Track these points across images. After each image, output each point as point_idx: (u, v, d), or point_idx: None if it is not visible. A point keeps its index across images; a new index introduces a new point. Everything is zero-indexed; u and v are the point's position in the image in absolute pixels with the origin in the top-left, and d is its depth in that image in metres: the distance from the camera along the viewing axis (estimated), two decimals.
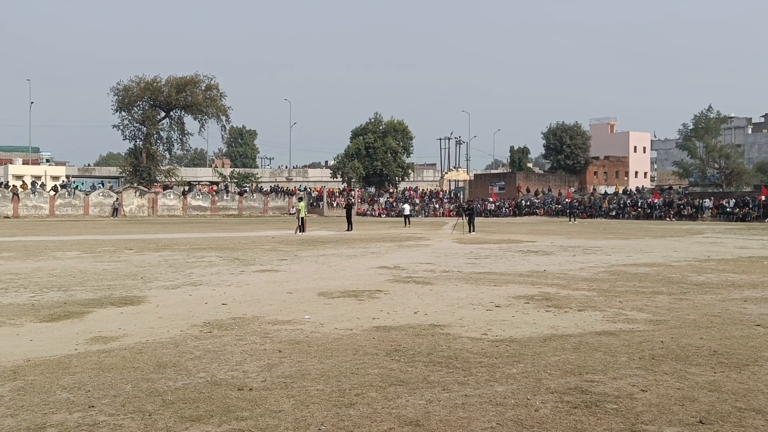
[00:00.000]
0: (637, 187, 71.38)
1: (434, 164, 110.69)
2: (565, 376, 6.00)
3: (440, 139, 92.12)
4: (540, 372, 6.15)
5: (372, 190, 74.09)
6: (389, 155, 72.30)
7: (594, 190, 72.75)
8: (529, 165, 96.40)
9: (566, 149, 79.84)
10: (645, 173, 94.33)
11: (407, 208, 44.78)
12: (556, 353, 6.90)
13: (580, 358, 6.70)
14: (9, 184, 64.54)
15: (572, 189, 72.44)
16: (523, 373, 6.11)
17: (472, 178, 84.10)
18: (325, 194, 69.55)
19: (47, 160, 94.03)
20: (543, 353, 6.90)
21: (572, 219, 49.94)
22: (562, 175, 79.28)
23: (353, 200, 57.15)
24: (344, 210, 41.19)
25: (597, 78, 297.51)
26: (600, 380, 5.88)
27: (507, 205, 66.01)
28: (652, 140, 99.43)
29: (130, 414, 4.93)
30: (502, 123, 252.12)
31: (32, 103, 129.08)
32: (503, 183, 76.18)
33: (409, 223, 40.79)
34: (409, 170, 78.63)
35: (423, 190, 78.54)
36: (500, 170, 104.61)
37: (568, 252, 20.32)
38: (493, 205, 66.73)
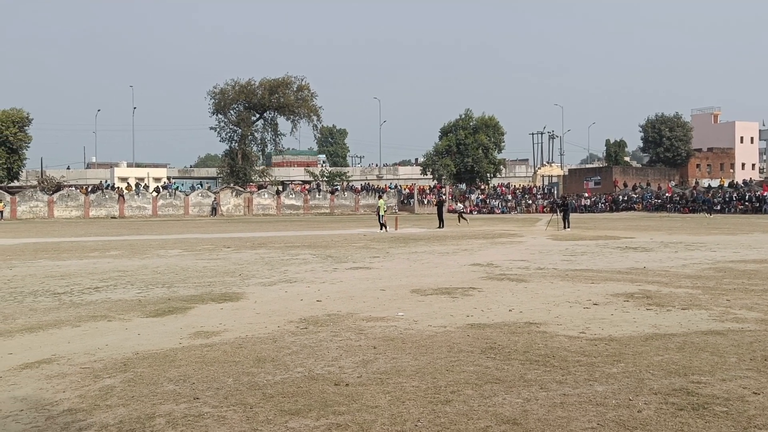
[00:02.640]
0: (744, 179, 67.66)
1: (527, 160, 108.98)
2: (669, 377, 5.75)
3: (533, 134, 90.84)
4: (642, 372, 5.92)
5: (463, 187, 73.63)
6: (480, 151, 71.60)
7: (696, 183, 69.54)
8: (626, 159, 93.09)
9: (666, 142, 76.72)
10: (753, 165, 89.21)
11: (460, 206, 43.73)
12: (658, 353, 6.63)
13: (685, 358, 6.41)
14: (115, 186, 68.15)
15: (672, 183, 69.55)
16: (624, 373, 5.90)
17: (566, 173, 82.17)
18: (415, 192, 69.66)
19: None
20: (645, 353, 6.64)
21: (709, 213, 48.00)
22: (661, 168, 76.25)
23: (444, 197, 56.97)
24: (435, 207, 41.06)
25: (698, 68, 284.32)
26: (707, 382, 5.60)
27: (603, 201, 64.12)
28: (760, 130, 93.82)
29: (233, 406, 5.08)
30: (597, 116, 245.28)
31: (135, 108, 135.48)
32: (599, 178, 74.02)
33: (463, 219, 39.81)
34: (501, 166, 77.59)
35: (515, 186, 77.38)
36: (595, 164, 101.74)
37: (669, 248, 19.52)
38: (588, 200, 65.02)
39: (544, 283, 12.14)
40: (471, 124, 73.27)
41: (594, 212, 60.72)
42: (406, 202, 69.87)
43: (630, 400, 5.15)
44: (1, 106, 65.25)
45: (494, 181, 78.35)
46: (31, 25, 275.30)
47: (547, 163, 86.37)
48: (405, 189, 73.77)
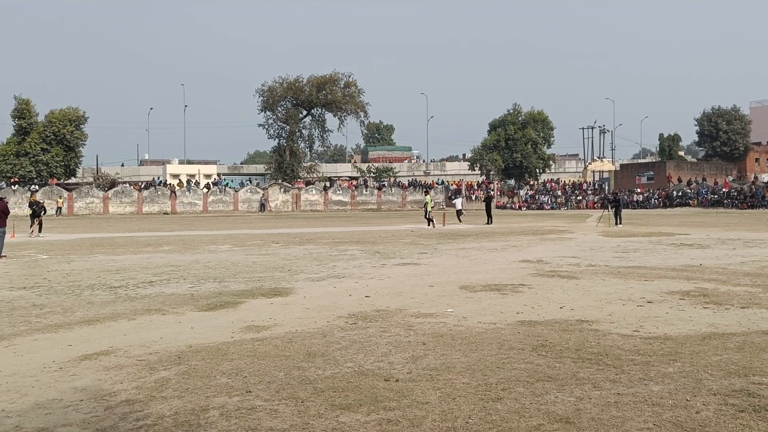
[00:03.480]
0: None
1: (576, 155, 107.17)
2: (728, 377, 5.59)
3: (583, 129, 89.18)
4: (700, 372, 5.77)
5: (511, 182, 72.94)
6: (529, 146, 70.81)
7: (755, 178, 67.39)
8: (681, 153, 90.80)
9: (722, 135, 74.42)
10: None
11: (459, 202, 39.91)
12: (717, 353, 6.44)
13: (745, 358, 6.21)
14: (167, 182, 69.64)
15: (730, 178, 67.58)
16: (681, 373, 5.75)
17: (618, 168, 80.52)
18: (463, 187, 69.31)
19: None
20: (702, 352, 6.46)
21: None
22: (718, 163, 74.08)
23: (492, 193, 56.53)
24: (483, 203, 40.71)
25: (756, 58, 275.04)
26: None
27: (656, 196, 62.69)
28: None
29: (284, 400, 5.13)
30: (650, 110, 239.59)
31: (186, 106, 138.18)
32: (652, 173, 72.33)
33: (460, 220, 35.93)
34: (550, 161, 76.58)
35: (565, 181, 76.27)
36: (648, 159, 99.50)
37: (726, 245, 18.97)
38: (640, 196, 63.64)
39: (596, 280, 11.94)
40: (519, 118, 72.53)
41: (647, 208, 59.39)
42: (453, 197, 69.53)
43: (687, 400, 5.02)
44: (59, 105, 67.50)
45: (543, 177, 77.41)
46: (89, 27, 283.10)
47: (598, 158, 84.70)
48: (452, 185, 73.44)
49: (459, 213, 37.31)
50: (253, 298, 10.23)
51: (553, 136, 74.00)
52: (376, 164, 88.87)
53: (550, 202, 66.94)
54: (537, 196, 68.51)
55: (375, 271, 13.63)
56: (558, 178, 78.69)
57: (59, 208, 55.80)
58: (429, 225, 31.00)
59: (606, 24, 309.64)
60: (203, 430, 4.52)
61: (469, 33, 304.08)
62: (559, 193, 69.87)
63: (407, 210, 65.36)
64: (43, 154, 59.47)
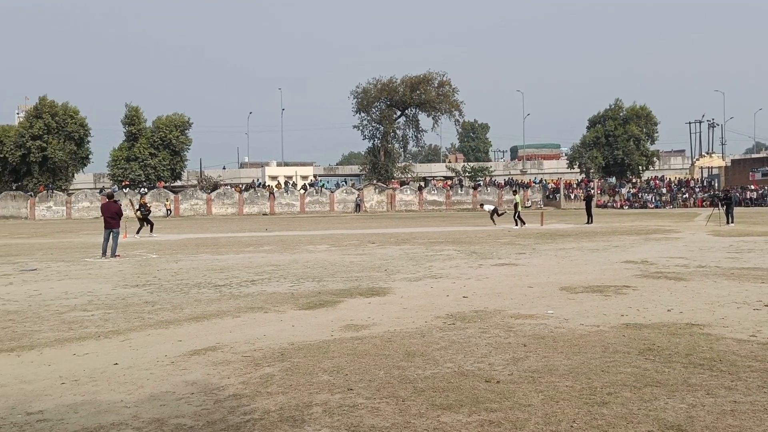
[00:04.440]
0: None
1: (683, 151, 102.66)
2: None
3: (690, 123, 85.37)
4: None
5: (612, 180, 70.62)
6: (631, 143, 68.34)
7: None
8: None
9: None
10: None
11: (489, 207, 36.68)
12: None
13: None
14: (266, 184, 71.76)
15: None
16: None
17: (729, 164, 76.41)
18: (561, 186, 67.73)
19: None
20: None
21: None
22: None
23: (592, 192, 54.94)
24: (583, 202, 39.59)
25: None
26: None
27: None
28: None
29: (385, 399, 5.17)
30: (765, 101, 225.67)
31: (283, 109, 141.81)
32: (767, 168, 68.22)
33: (495, 222, 33.53)
34: (654, 158, 73.62)
35: (670, 179, 73.13)
36: (763, 154, 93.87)
37: None
38: (754, 193, 60.18)
39: (707, 281, 11.37)
40: (621, 114, 70.13)
41: (761, 206, 56.15)
42: (551, 196, 68.12)
43: None
44: (165, 111, 70.74)
45: (647, 174, 74.49)
46: (191, 40, 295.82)
47: (707, 153, 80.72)
48: (550, 183, 71.90)
49: (494, 212, 34.58)
50: (351, 298, 10.36)
51: (656, 132, 71.20)
52: (471, 164, 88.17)
53: (654, 201, 64.42)
54: (640, 195, 66.08)
55: (472, 272, 13.52)
56: (663, 176, 75.50)
57: (168, 210, 58.63)
58: (518, 225, 30.53)
59: (713, 13, 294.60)
60: (307, 425, 4.61)
61: (566, 30, 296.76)
62: (664, 190, 67.09)
63: (504, 209, 64.40)
64: (151, 159, 62.61)
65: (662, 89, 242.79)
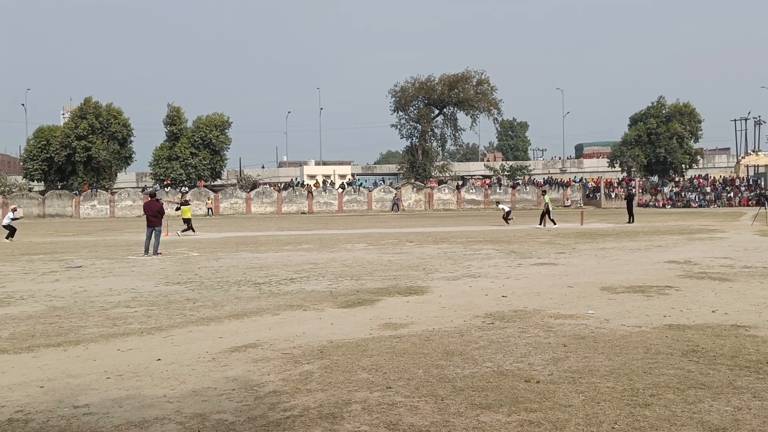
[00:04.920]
0: None
1: (728, 149, 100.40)
2: None
3: (735, 121, 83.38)
4: None
5: (654, 179, 69.36)
6: (674, 141, 67.01)
7: None
8: None
9: None
10: None
11: (505, 207, 35.86)
12: None
13: None
14: (304, 183, 72.26)
15: None
16: None
17: None
18: (602, 185, 66.78)
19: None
20: None
21: None
22: None
23: (634, 191, 54.05)
24: (624, 201, 38.96)
25: None
26: None
27: None
28: None
29: (424, 397, 5.16)
30: None
31: (321, 109, 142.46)
32: None
33: (508, 222, 33.40)
34: (698, 156, 72.07)
35: (714, 177, 71.53)
36: None
37: None
38: None
39: (752, 282, 11.10)
40: (663, 111, 68.80)
41: None
42: (591, 195, 67.21)
43: None
44: (205, 111, 71.73)
45: (690, 173, 72.98)
46: (231, 37, 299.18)
47: (752, 151, 78.75)
48: (591, 182, 70.96)
49: (508, 215, 34.08)
50: (390, 296, 10.37)
51: (700, 130, 69.64)
52: (510, 162, 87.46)
53: (697, 200, 63.12)
54: (683, 193, 64.80)
55: (511, 271, 13.43)
56: (707, 174, 73.86)
57: (210, 209, 59.53)
58: (542, 224, 30.28)
59: (759, 6, 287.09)
60: (346, 422, 4.64)
61: (605, 24, 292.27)
62: (708, 189, 65.67)
63: (542, 208, 63.77)
64: (192, 158, 63.53)
65: (706, 86, 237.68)
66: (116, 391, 5.54)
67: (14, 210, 28.76)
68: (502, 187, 69.42)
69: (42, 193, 61.62)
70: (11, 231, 26.58)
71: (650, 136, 67.79)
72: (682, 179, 69.36)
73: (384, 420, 4.67)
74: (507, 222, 33.44)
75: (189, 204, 30.55)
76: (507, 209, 35.21)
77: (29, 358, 6.77)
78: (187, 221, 29.01)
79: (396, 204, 64.41)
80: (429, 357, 6.42)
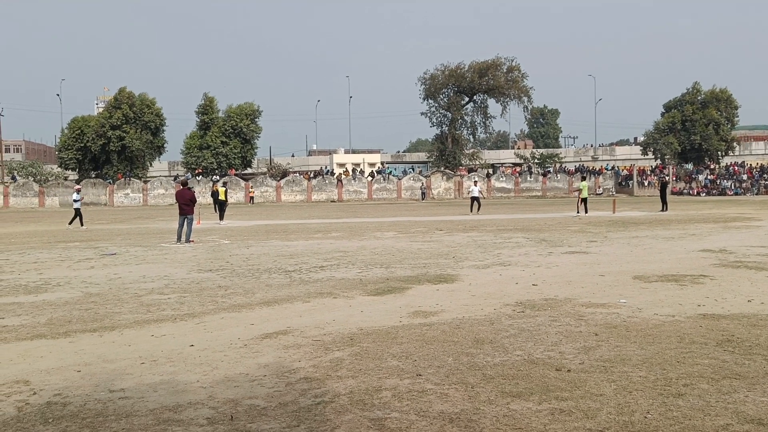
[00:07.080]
0: None
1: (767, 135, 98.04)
2: None
3: None
4: None
5: (689, 166, 68.19)
6: (710, 128, 65.73)
7: None
8: None
9: None
10: None
11: (476, 189, 34.49)
12: None
13: None
14: (334, 171, 72.44)
15: None
16: None
17: None
18: (635, 173, 65.85)
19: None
20: None
21: None
22: None
23: (667, 178, 53.18)
24: (658, 189, 38.37)
25: None
26: None
27: None
28: None
29: (454, 385, 5.17)
30: None
31: (351, 97, 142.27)
32: None
33: (477, 210, 33.08)
34: (734, 143, 70.59)
35: (751, 164, 70.06)
36: None
37: None
38: None
39: None
40: (699, 98, 67.48)
41: None
42: (624, 183, 66.33)
43: None
44: (236, 101, 72.16)
45: (726, 160, 71.57)
46: (263, 30, 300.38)
47: None
48: (623, 170, 70.01)
49: (474, 201, 33.61)
50: (419, 284, 10.38)
51: (737, 116, 68.21)
52: (540, 150, 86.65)
53: (733, 188, 61.94)
54: (718, 181, 63.64)
55: (542, 259, 13.33)
56: (743, 162, 72.41)
57: (252, 198, 60.45)
58: (581, 212, 29.95)
59: None
60: (377, 409, 4.66)
61: (637, 10, 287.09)
62: (745, 177, 64.37)
63: (573, 197, 63.13)
64: (223, 147, 64.10)
65: (744, 72, 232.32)
66: (150, 376, 5.63)
67: (78, 191, 28.74)
68: (532, 175, 68.84)
69: (77, 181, 62.75)
70: (79, 216, 26.81)
71: (685, 124, 66.58)
72: (717, 167, 68.07)
73: (414, 407, 4.68)
74: (471, 210, 32.81)
75: (225, 186, 30.73)
76: (476, 194, 33.83)
77: (66, 343, 6.92)
78: (221, 205, 29.48)
79: (424, 192, 64.27)
80: (459, 345, 6.41)
